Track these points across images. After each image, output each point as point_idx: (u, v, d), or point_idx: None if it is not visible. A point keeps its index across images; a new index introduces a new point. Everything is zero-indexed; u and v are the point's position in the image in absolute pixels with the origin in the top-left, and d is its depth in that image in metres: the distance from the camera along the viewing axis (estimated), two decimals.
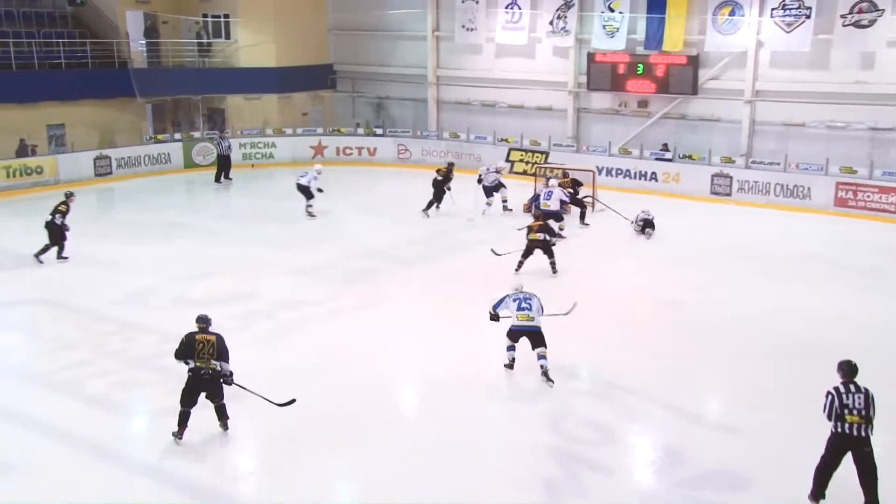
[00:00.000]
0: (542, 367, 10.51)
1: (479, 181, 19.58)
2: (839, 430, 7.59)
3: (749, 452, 8.96)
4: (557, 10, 23.93)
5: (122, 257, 15.95)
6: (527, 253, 15.11)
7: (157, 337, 11.94)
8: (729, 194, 21.02)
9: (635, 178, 22.41)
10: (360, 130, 26.67)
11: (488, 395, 10.58)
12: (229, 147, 23.39)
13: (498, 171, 19.68)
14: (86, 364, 11.03)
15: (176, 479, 8.44)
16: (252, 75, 26.48)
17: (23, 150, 22.29)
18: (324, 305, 13.41)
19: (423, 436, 9.36)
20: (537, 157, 23.40)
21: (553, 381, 10.43)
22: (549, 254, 15.04)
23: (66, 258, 15.51)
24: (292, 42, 26.80)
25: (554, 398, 10.23)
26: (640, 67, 22.85)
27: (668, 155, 22.23)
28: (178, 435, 9.04)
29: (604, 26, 23.26)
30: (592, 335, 12.23)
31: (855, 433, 7.53)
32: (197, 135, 24.71)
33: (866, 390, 7.62)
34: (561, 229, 16.80)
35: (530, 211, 18.26)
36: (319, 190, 19.12)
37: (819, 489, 7.82)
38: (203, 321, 9.30)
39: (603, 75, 23.52)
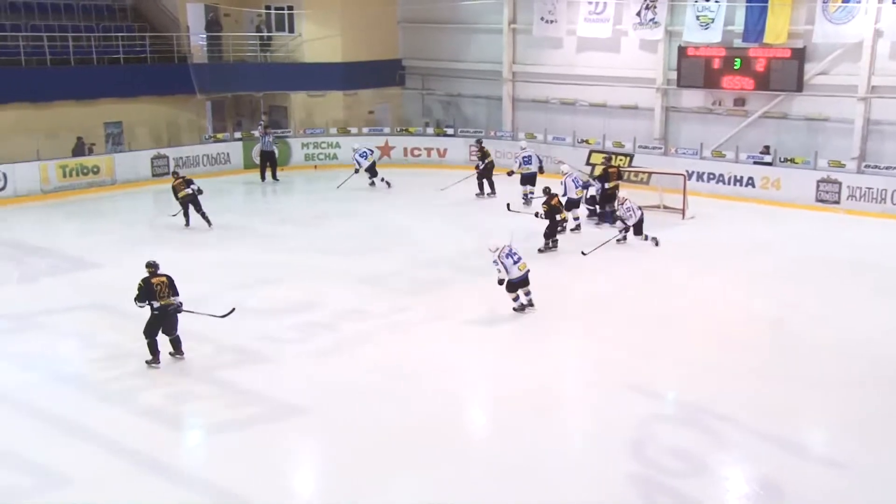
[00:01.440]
0: (530, 300, 13.54)
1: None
2: None
3: (856, 490, 8.71)
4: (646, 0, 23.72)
5: (178, 262, 16.25)
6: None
7: (213, 347, 12.24)
8: (837, 202, 20.42)
9: (730, 183, 21.99)
10: (430, 130, 26.84)
11: (563, 416, 10.54)
12: (273, 142, 23.82)
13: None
14: (140, 374, 11.36)
15: (231, 496, 8.61)
16: (316, 71, 26.86)
17: (80, 149, 23.13)
18: (389, 317, 13.53)
19: (493, 459, 9.34)
20: (620, 159, 23.16)
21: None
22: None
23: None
24: (359, 36, 27.13)
25: (636, 423, 10.10)
26: (738, 62, 22.43)
27: (768, 158, 21.76)
28: (155, 361, 11.37)
29: (697, 17, 22.91)
30: (679, 355, 12.05)
31: None
32: (257, 134, 25.23)
33: None
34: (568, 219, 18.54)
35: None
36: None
37: None
38: (153, 265, 11.55)
39: (695, 71, 23.17)
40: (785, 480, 8.89)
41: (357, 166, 22.64)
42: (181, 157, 24.07)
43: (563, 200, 17.63)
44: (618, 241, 17.30)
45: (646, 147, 23.53)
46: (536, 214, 16.78)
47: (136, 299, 11.37)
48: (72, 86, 23.37)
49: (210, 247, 17.48)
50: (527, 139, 23.81)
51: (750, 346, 12.70)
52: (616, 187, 18.92)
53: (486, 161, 21.98)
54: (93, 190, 22.04)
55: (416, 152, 26.27)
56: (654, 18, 23.70)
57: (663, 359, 11.88)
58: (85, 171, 22.31)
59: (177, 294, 11.51)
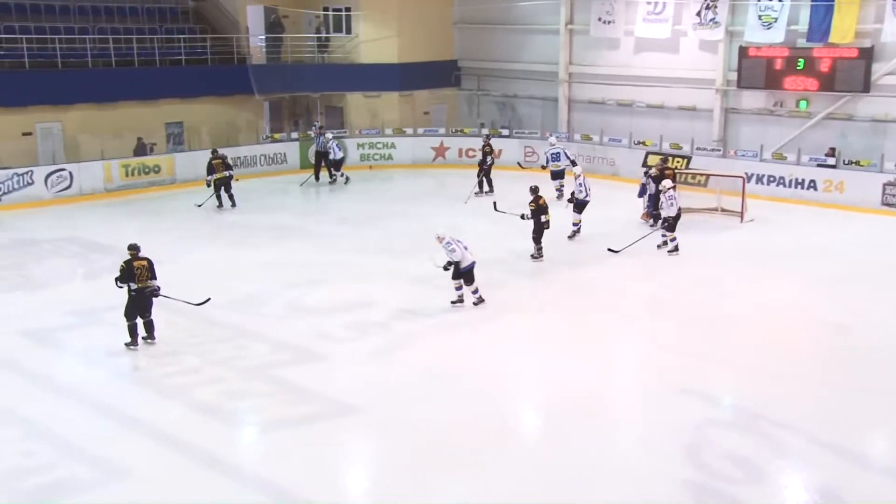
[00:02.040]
0: (480, 296, 13.67)
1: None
2: None
3: None
4: None
5: (235, 261, 16.62)
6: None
7: (269, 346, 12.39)
8: None
9: (790, 186, 21.57)
10: (485, 131, 26.81)
11: (614, 419, 10.42)
12: (327, 143, 24.09)
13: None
14: (196, 371, 11.55)
15: (286, 493, 8.68)
16: (372, 72, 27.03)
17: (141, 149, 23.63)
18: (440, 318, 13.56)
19: (542, 462, 9.28)
20: (678, 161, 22.86)
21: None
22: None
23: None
24: (415, 37, 27.24)
25: (691, 428, 9.94)
26: (801, 62, 21.98)
27: (831, 161, 21.27)
28: (134, 343, 12.01)
29: (760, 17, 22.51)
30: (738, 360, 11.85)
31: None
32: (312, 134, 25.46)
33: None
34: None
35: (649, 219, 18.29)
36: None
37: None
38: (135, 248, 12.09)
39: (756, 71, 22.78)
40: (845, 490, 8.67)
41: (333, 154, 23.65)
42: (239, 157, 24.39)
43: (580, 199, 17.64)
44: (658, 246, 16.96)
45: (704, 149, 23.19)
46: (522, 216, 16.36)
47: (116, 280, 12.00)
48: (135, 87, 23.93)
49: (265, 246, 17.69)
50: (560, 137, 24.04)
51: (810, 352, 12.45)
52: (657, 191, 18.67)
53: (490, 159, 22.34)
54: (154, 189, 22.48)
55: (470, 153, 26.22)
56: (714, 18, 23.36)
57: (720, 363, 11.69)
58: (146, 170, 22.76)
59: (155, 278, 12.10)
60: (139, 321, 12.12)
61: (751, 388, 11.02)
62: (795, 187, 21.50)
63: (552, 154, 21.80)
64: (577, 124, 26.57)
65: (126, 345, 12.10)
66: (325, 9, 27.61)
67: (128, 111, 23.74)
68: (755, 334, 12.89)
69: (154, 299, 12.16)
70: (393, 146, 26.35)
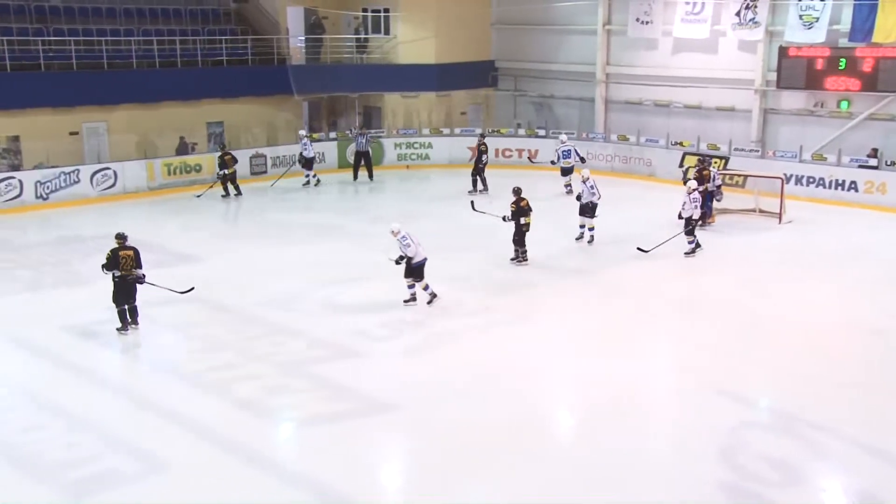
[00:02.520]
0: (433, 293, 13.63)
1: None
2: None
3: None
4: None
5: (273, 258, 16.76)
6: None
7: (306, 342, 12.48)
8: None
9: (830, 187, 21.26)
10: (522, 131, 26.77)
11: (649, 420, 10.34)
12: (367, 143, 24.14)
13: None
14: (235, 366, 11.65)
15: (323, 489, 8.73)
16: (410, 72, 27.12)
17: (182, 148, 23.92)
18: (475, 316, 13.54)
19: (576, 462, 9.24)
20: (716, 162, 22.62)
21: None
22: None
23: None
24: (453, 38, 27.26)
25: (727, 429, 9.83)
26: (843, 62, 21.64)
27: (873, 162, 20.91)
28: (124, 328, 12.52)
29: (801, 17, 22.20)
30: (775, 362, 11.72)
31: None
32: (351, 134, 25.59)
33: None
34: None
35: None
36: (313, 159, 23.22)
37: None
38: (122, 237, 12.64)
39: (796, 72, 22.45)
40: (886, 494, 8.53)
41: (305, 152, 23.43)
42: (278, 156, 24.66)
43: (591, 202, 17.16)
44: (686, 254, 16.71)
45: (742, 149, 22.93)
46: (504, 218, 16.12)
47: (103, 267, 12.55)
48: (178, 87, 24.22)
49: (303, 244, 17.80)
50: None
51: (849, 354, 12.26)
52: (706, 190, 18.45)
53: (485, 158, 22.55)
54: (195, 187, 22.71)
55: (507, 153, 26.22)
56: (754, 18, 23.07)
57: (757, 365, 11.56)
58: (188, 169, 23.02)
59: (140, 267, 12.65)
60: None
61: (788, 390, 10.89)
62: (836, 188, 21.17)
63: (564, 151, 22.23)
64: (613, 125, 26.41)
65: (117, 329, 12.58)
66: (365, 10, 27.74)
67: (170, 111, 24.04)
68: (792, 336, 12.73)
69: (139, 286, 12.71)
70: (430, 146, 26.39)
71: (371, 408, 10.44)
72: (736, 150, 22.91)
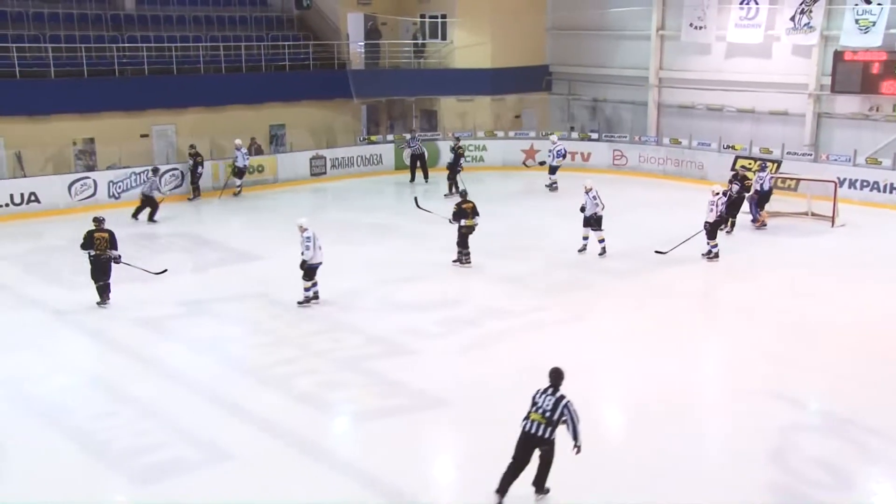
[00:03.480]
0: (316, 292, 13.73)
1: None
2: None
3: None
4: (801, 3, 22.61)
5: (333, 257, 16.79)
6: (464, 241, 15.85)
7: (363, 339, 12.57)
8: None
9: (884, 191, 20.75)
10: (575, 134, 26.59)
11: (700, 421, 10.23)
12: (421, 145, 24.27)
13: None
14: (296, 361, 11.80)
15: (377, 482, 8.79)
16: (466, 76, 27.15)
17: (249, 150, 24.20)
18: (528, 316, 13.50)
19: (627, 463, 9.16)
20: (769, 166, 22.18)
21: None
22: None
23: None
24: (508, 42, 27.22)
25: (778, 431, 9.67)
26: None
27: None
28: (103, 302, 13.58)
29: (857, 21, 21.67)
30: (826, 365, 11.50)
31: None
32: (407, 135, 25.71)
33: None
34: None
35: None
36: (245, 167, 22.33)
37: None
38: (98, 221, 13.74)
39: (852, 76, 21.92)
40: None
41: (241, 160, 22.26)
42: (337, 158, 24.87)
43: (597, 215, 16.41)
44: (708, 257, 16.32)
45: (794, 153, 22.47)
46: (451, 220, 15.97)
47: (81, 246, 13.60)
48: (243, 91, 24.60)
49: (360, 244, 17.92)
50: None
51: None
52: (734, 195, 18.12)
53: (462, 161, 22.67)
54: (257, 187, 23.03)
55: None
56: (809, 23, 22.60)
57: (809, 368, 11.34)
58: (251, 170, 23.34)
59: (115, 248, 13.68)
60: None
61: (841, 394, 10.68)
62: (890, 192, 20.65)
63: (558, 150, 22.97)
64: (665, 128, 26.09)
65: (97, 303, 13.62)
66: (422, 16, 27.86)
67: (235, 114, 24.40)
68: (846, 339, 12.44)
69: (114, 265, 13.72)
70: (484, 148, 26.36)
71: (424, 403, 10.50)
72: (788, 153, 22.45)
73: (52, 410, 10.29)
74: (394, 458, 9.20)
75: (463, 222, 15.83)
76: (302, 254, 13.63)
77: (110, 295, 13.75)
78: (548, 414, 7.95)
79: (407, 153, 24.83)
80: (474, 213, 15.88)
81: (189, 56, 23.86)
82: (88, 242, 13.60)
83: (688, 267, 16.00)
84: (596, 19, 27.16)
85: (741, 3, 23.79)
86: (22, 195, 19.86)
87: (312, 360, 11.82)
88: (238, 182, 22.40)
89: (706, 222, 16.16)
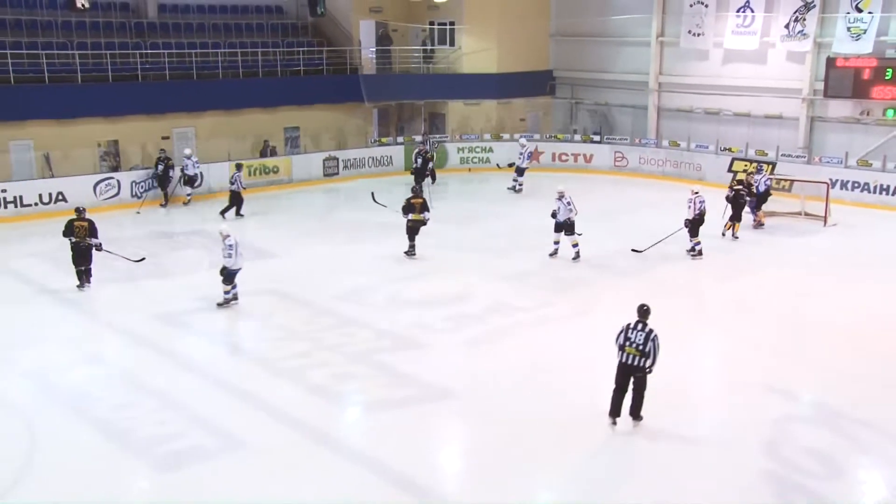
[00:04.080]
0: (235, 294, 13.49)
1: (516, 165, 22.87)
2: None
3: None
4: (795, 12, 22.55)
5: (344, 255, 16.93)
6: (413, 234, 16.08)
7: (373, 333, 12.58)
8: None
9: (875, 192, 20.68)
10: (578, 137, 26.57)
11: (698, 415, 10.23)
12: (434, 147, 24.34)
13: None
14: (308, 355, 11.82)
15: (387, 470, 8.81)
16: (473, 81, 27.15)
17: (265, 151, 24.32)
18: (534, 312, 13.49)
19: (629, 453, 9.18)
20: (765, 168, 22.11)
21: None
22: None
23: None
24: (514, 48, 27.22)
25: (772, 422, 9.66)
26: (889, 72, 21.00)
27: None
28: (81, 286, 14.09)
29: (849, 28, 21.60)
30: (819, 360, 11.47)
31: None
32: (418, 138, 25.73)
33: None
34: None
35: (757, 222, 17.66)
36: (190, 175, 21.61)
37: None
38: (79, 211, 14.24)
39: (843, 81, 21.85)
40: None
41: (189, 169, 21.47)
42: (349, 160, 24.89)
43: (570, 220, 15.98)
44: (692, 254, 16.29)
45: (789, 155, 22.42)
46: (405, 219, 16.20)
47: (62, 234, 14.10)
48: (259, 95, 24.62)
49: (371, 242, 17.92)
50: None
51: (892, 355, 11.86)
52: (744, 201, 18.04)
53: (431, 165, 22.65)
54: (272, 188, 23.08)
55: (563, 157, 26.08)
56: (802, 31, 22.54)
57: (802, 363, 11.32)
58: (266, 170, 23.40)
59: (94, 237, 14.12)
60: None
61: (833, 388, 10.64)
62: (880, 193, 20.59)
63: (528, 153, 23.14)
64: (665, 131, 26.05)
65: (77, 286, 14.15)
66: (431, 23, 27.84)
67: (251, 117, 24.46)
68: (838, 336, 12.41)
69: (96, 252, 14.18)
70: (490, 150, 26.35)
71: (431, 395, 10.51)
72: (783, 155, 22.41)
73: (76, 400, 10.34)
74: (403, 448, 9.21)
75: (410, 216, 16.19)
76: (224, 259, 13.41)
77: (90, 279, 14.25)
78: (640, 346, 9.12)
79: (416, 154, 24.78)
80: (423, 208, 16.23)
81: (208, 62, 23.90)
82: (68, 230, 14.09)
83: (687, 265, 15.99)
84: (598, 26, 27.13)
85: (738, 11, 23.74)
86: (50, 195, 19.93)
87: (324, 353, 11.84)
88: (189, 190, 21.55)
89: (686, 220, 16.15)
